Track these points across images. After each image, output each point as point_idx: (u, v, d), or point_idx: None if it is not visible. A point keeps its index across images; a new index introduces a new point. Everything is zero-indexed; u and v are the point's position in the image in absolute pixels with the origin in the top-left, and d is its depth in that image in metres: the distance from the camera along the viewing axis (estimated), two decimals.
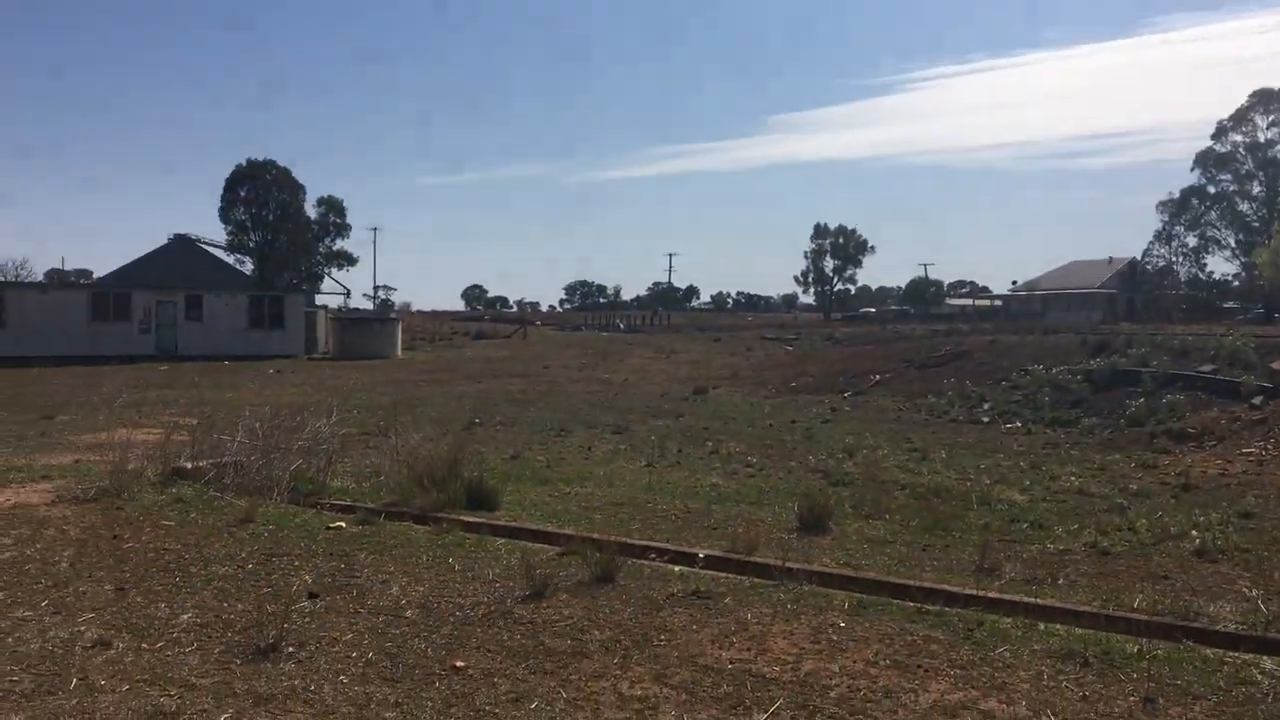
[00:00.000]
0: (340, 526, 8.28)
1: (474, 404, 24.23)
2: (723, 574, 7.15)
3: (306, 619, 5.78)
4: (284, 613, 5.61)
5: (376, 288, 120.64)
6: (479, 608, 6.07)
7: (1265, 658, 5.27)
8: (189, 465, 10.28)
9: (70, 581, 6.49)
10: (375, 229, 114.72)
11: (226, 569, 6.88)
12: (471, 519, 8.86)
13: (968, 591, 6.74)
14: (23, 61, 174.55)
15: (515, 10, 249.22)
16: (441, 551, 7.53)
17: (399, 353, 48.04)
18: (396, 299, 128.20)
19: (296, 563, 7.10)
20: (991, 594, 6.69)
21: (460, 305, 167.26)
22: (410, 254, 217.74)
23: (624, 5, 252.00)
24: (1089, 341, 27.90)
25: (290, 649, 5.26)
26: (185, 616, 5.80)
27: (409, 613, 5.97)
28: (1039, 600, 6.50)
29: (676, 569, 7.23)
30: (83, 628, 5.58)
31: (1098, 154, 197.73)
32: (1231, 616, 6.37)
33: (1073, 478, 13.92)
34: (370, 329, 49.28)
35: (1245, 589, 7.45)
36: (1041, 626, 5.88)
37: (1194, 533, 9.87)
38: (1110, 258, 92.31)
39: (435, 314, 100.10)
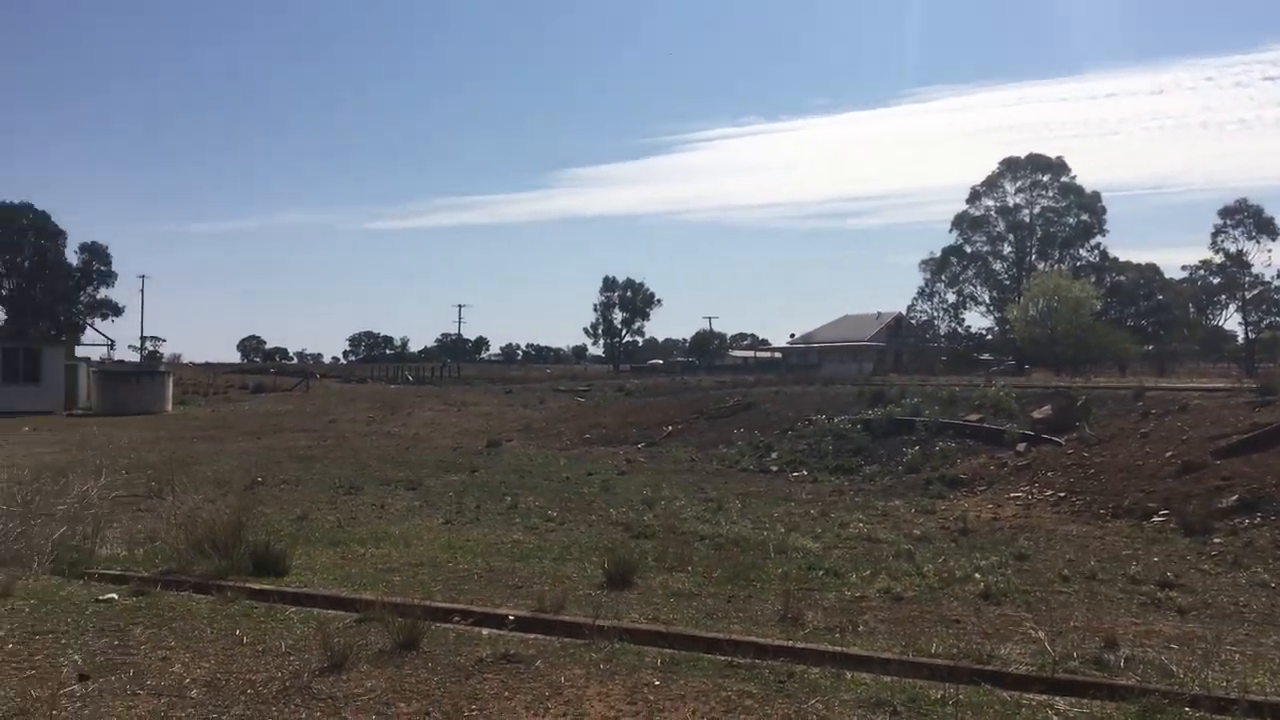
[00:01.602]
0: (112, 599, 7.64)
1: (256, 462, 23.01)
2: (532, 635, 6.98)
3: (78, 704, 5.22)
4: (51, 698, 5.06)
5: (144, 338, 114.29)
6: (272, 683, 5.66)
7: (1058, 698, 5.54)
8: None
9: None
10: (144, 277, 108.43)
11: None
12: (259, 586, 8.35)
13: (776, 643, 6.81)
14: None
15: (292, 53, 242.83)
16: (227, 623, 7.03)
17: (170, 408, 45.39)
18: (166, 350, 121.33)
19: (63, 641, 6.45)
20: (799, 644, 6.79)
21: (236, 357, 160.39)
22: (182, 304, 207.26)
23: (405, 54, 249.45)
24: (865, 392, 29.22)
25: None
26: None
27: (194, 692, 5.50)
28: (844, 649, 6.62)
29: (484, 631, 7.03)
30: None
31: (865, 214, 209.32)
32: (1022, 658, 6.69)
33: (860, 524, 14.45)
34: (138, 382, 46.20)
35: (1031, 630, 7.83)
36: (849, 675, 5.99)
37: (977, 576, 10.38)
38: (879, 312, 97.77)
39: (209, 366, 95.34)
